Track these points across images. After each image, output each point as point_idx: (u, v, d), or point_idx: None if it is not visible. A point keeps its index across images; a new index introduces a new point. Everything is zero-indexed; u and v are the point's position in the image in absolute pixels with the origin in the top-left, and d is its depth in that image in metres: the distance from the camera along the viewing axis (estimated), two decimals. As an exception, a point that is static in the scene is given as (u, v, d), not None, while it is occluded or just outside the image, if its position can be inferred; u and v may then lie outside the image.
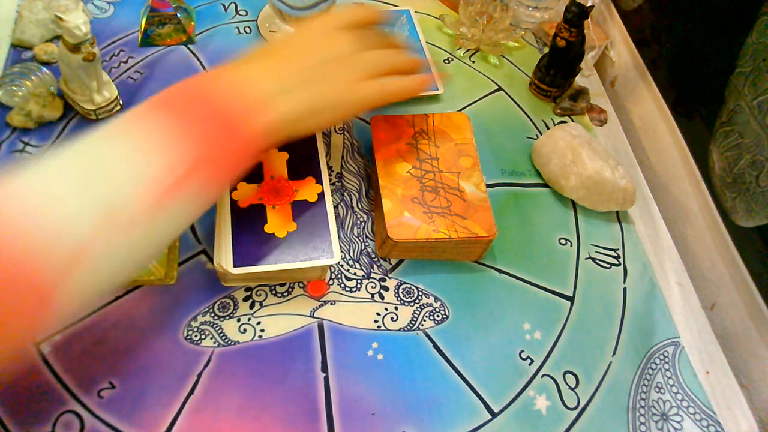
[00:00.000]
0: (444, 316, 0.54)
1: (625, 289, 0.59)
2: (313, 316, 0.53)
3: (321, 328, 0.52)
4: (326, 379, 0.50)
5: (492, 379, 0.51)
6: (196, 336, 0.50)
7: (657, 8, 0.74)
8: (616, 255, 0.61)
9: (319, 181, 0.55)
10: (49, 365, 0.48)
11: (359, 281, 0.55)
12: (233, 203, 0.52)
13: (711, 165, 0.62)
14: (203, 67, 0.69)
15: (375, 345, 0.52)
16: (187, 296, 0.52)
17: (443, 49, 0.76)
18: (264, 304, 0.53)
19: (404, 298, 0.55)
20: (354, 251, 0.57)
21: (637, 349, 0.55)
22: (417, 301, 0.55)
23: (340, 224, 0.58)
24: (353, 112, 0.50)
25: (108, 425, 0.46)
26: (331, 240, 0.51)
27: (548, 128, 0.69)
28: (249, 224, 0.51)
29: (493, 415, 0.50)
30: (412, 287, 0.56)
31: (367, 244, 0.58)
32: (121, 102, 0.63)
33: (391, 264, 0.57)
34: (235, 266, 0.49)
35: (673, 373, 0.54)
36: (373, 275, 0.56)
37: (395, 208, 0.55)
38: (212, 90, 0.43)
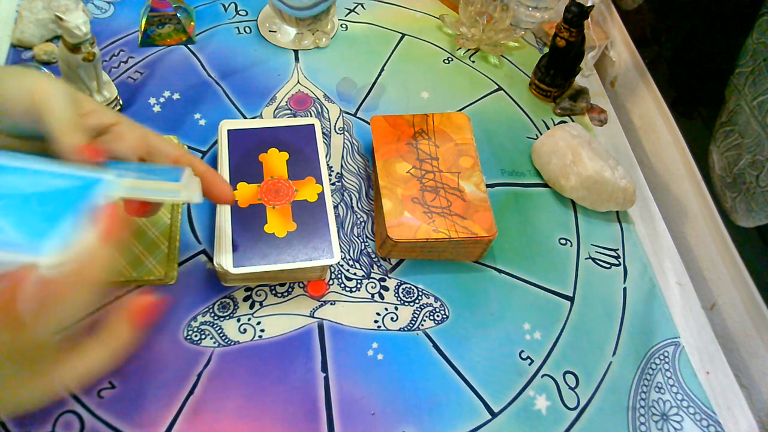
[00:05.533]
0: (444, 316, 0.54)
1: (625, 289, 0.59)
2: (313, 316, 0.53)
3: (321, 328, 0.52)
4: (326, 379, 0.50)
5: (492, 379, 0.51)
6: (196, 336, 0.50)
7: (657, 8, 0.74)
8: (616, 255, 0.61)
9: (319, 181, 0.55)
10: (49, 365, 0.48)
11: (359, 281, 0.55)
12: (233, 203, 0.52)
13: (711, 165, 0.62)
14: (203, 67, 0.69)
15: (375, 345, 0.52)
16: (187, 296, 0.52)
17: (443, 49, 0.76)
18: (264, 304, 0.53)
19: (404, 298, 0.55)
20: (354, 251, 0.57)
21: (637, 349, 0.55)
22: (417, 301, 0.55)
23: (340, 224, 0.58)
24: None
25: (108, 425, 0.46)
26: (331, 240, 0.51)
27: (548, 128, 0.69)
28: (249, 224, 0.51)
29: (493, 415, 0.50)
30: (412, 287, 0.56)
31: (367, 244, 0.58)
32: (121, 102, 0.63)
33: (391, 264, 0.57)
34: (235, 266, 0.49)
35: (673, 373, 0.54)
36: (373, 275, 0.56)
37: (395, 208, 0.55)
38: None
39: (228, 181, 0.43)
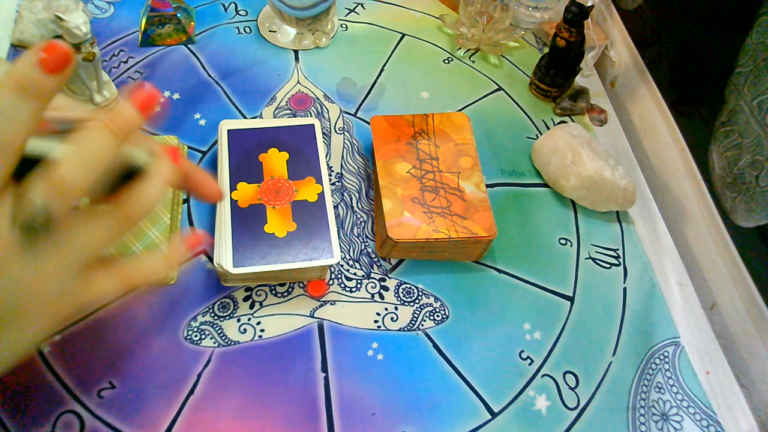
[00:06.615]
0: (444, 316, 0.54)
1: (625, 289, 0.59)
2: (313, 316, 0.53)
3: (321, 328, 0.52)
4: (326, 379, 0.50)
5: (492, 379, 0.51)
6: (196, 336, 0.50)
7: (657, 8, 0.74)
8: (616, 255, 0.61)
9: (319, 181, 0.55)
10: (49, 365, 0.48)
11: (359, 281, 0.55)
12: (233, 203, 0.52)
13: (711, 165, 0.62)
14: (203, 67, 0.69)
15: (375, 345, 0.52)
16: (187, 296, 0.52)
17: (443, 49, 0.76)
18: (264, 304, 0.53)
19: (404, 298, 0.55)
20: (354, 251, 0.57)
21: (637, 349, 0.55)
22: (417, 301, 0.55)
23: (340, 224, 0.58)
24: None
25: (108, 425, 0.46)
26: (331, 240, 0.51)
27: (548, 128, 0.69)
28: (249, 224, 0.51)
29: (493, 415, 0.50)
30: (412, 287, 0.56)
31: (367, 244, 0.58)
32: (121, 102, 0.63)
33: (391, 264, 0.57)
34: (235, 266, 0.49)
35: (673, 373, 0.54)
36: (373, 275, 0.56)
37: (395, 208, 0.55)
38: None
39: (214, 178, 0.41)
